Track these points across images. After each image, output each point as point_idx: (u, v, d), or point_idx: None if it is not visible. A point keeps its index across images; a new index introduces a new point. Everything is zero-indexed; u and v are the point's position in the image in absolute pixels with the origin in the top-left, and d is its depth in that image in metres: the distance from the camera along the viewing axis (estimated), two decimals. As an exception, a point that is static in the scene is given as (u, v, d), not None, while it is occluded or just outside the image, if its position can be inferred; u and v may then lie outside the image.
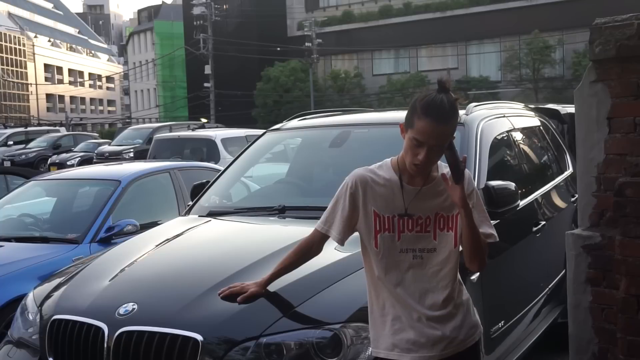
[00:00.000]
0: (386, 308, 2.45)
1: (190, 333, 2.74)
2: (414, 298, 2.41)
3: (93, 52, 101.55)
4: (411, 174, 2.38)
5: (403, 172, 2.40)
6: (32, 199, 6.64)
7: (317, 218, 2.60)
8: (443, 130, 2.26)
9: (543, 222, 4.48)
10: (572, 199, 5.02)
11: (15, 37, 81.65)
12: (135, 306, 2.92)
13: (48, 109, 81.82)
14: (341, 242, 2.51)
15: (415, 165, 2.32)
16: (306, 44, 44.26)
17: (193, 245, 3.76)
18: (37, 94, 75.22)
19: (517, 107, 5.43)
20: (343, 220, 2.47)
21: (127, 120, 66.93)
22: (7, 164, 23.92)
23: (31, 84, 78.00)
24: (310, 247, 2.65)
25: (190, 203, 4.55)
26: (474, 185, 2.47)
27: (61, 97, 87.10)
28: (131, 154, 20.04)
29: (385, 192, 2.41)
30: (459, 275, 2.53)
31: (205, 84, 46.78)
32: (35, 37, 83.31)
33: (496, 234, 2.50)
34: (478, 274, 3.40)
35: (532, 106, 5.98)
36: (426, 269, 2.42)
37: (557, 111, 6.43)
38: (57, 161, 23.11)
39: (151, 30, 73.34)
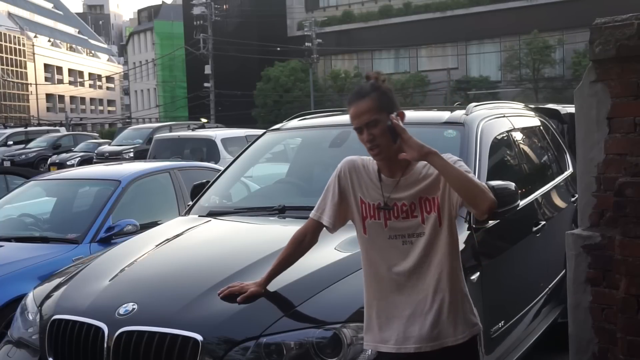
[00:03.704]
0: (377, 299, 2.47)
1: (190, 333, 2.74)
2: (405, 287, 2.42)
3: (93, 52, 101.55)
4: (388, 166, 2.43)
5: (381, 166, 2.46)
6: (32, 199, 6.64)
7: (317, 218, 2.63)
8: (359, 107, 2.39)
9: (543, 222, 4.48)
10: (572, 199, 5.02)
11: (15, 37, 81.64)
12: (135, 306, 2.92)
13: (48, 109, 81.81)
14: (332, 227, 2.58)
15: (371, 151, 2.41)
16: (306, 44, 44.27)
17: (193, 245, 3.76)
18: (37, 94, 75.18)
19: (517, 107, 5.43)
20: (333, 206, 2.54)
21: (127, 120, 66.91)
22: (7, 164, 23.91)
23: (31, 84, 77.98)
24: (305, 236, 2.69)
25: (190, 203, 4.55)
26: (455, 159, 2.41)
27: (61, 97, 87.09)
28: (131, 154, 20.03)
29: (369, 181, 2.49)
30: (462, 274, 2.52)
31: (205, 84, 46.76)
32: (35, 37, 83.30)
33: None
34: (478, 273, 3.40)
35: (532, 106, 5.98)
36: (417, 255, 2.42)
37: (557, 111, 6.43)
38: (57, 161, 23.10)
39: (151, 30, 73.34)
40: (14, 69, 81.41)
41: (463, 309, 2.47)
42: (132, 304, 2.94)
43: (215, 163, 10.10)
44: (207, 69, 46.55)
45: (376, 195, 2.46)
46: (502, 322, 3.75)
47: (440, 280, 2.42)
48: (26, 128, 34.39)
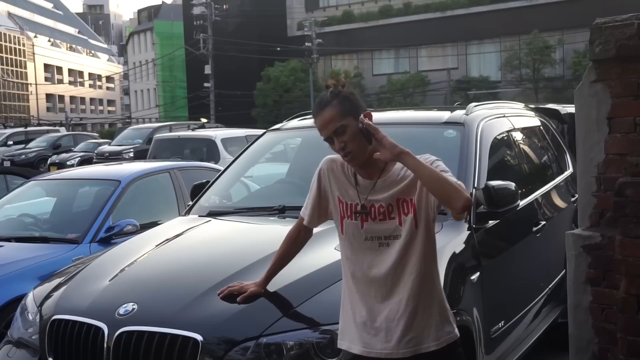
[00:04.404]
0: (352, 300, 2.46)
1: (190, 333, 2.74)
2: (380, 290, 2.40)
3: (93, 52, 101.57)
4: (365, 169, 2.43)
5: (358, 169, 2.46)
6: (32, 199, 6.64)
7: (317, 218, 2.64)
8: (323, 118, 2.38)
9: (543, 222, 4.48)
10: (572, 199, 5.02)
11: (15, 37, 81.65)
12: (135, 306, 2.92)
13: (48, 109, 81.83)
14: (310, 224, 2.64)
15: (345, 158, 2.41)
16: (306, 44, 44.26)
17: (193, 245, 3.76)
18: (37, 94, 75.22)
19: (517, 107, 5.43)
20: (312, 203, 2.59)
21: (127, 120, 66.91)
22: (7, 164, 23.91)
23: (31, 84, 78.02)
24: (298, 233, 2.73)
25: (190, 203, 4.55)
26: (433, 158, 2.38)
27: (61, 97, 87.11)
28: (131, 154, 20.03)
29: (347, 181, 2.49)
30: (439, 279, 2.49)
31: (205, 84, 46.76)
32: (35, 37, 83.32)
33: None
34: (478, 273, 3.40)
35: (532, 106, 5.98)
36: (393, 258, 2.39)
37: (557, 111, 6.42)
38: (57, 161, 23.09)
39: (151, 30, 73.34)
40: (14, 69, 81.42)
41: (438, 315, 2.43)
42: (132, 304, 2.94)
43: (215, 163, 10.10)
44: (207, 69, 46.55)
45: (354, 195, 2.45)
46: (502, 322, 3.75)
47: (415, 285, 2.38)
48: (26, 128, 34.39)
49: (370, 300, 2.42)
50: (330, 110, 2.37)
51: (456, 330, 2.49)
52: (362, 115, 2.36)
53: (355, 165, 2.43)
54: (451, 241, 3.34)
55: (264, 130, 5.24)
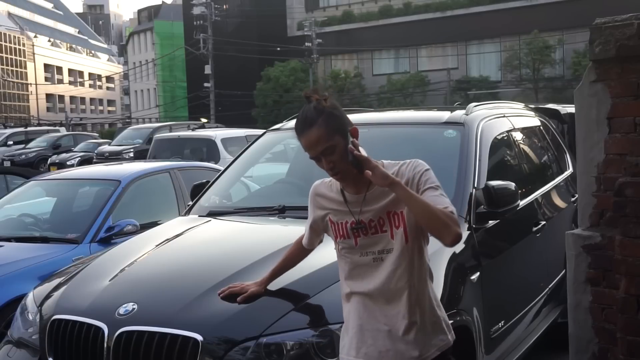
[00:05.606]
0: (352, 314, 2.45)
1: (190, 333, 2.74)
2: (376, 304, 2.39)
3: (93, 52, 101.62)
4: (353, 184, 2.38)
5: (346, 184, 2.41)
6: (32, 199, 6.64)
7: (317, 218, 2.63)
8: (310, 138, 2.30)
9: (543, 222, 4.48)
10: (572, 199, 5.02)
11: (15, 37, 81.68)
12: (135, 306, 2.92)
13: (48, 109, 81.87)
14: (307, 246, 2.68)
15: (335, 177, 2.37)
16: (306, 44, 44.28)
17: (193, 245, 3.76)
18: (37, 94, 75.24)
19: (517, 107, 5.43)
20: (309, 228, 2.62)
21: (127, 120, 66.92)
22: (7, 164, 23.92)
23: (31, 84, 78.04)
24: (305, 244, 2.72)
25: (190, 203, 4.55)
26: (419, 169, 2.35)
27: (61, 97, 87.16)
28: (131, 154, 20.04)
29: (335, 202, 2.45)
30: (431, 289, 2.46)
31: (205, 84, 46.78)
32: (35, 37, 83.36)
33: (452, 206, 2.32)
34: (478, 273, 3.40)
35: (532, 106, 5.98)
36: (387, 272, 2.37)
37: (557, 111, 6.42)
38: (57, 161, 23.12)
39: (151, 30, 73.38)
40: (14, 69, 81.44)
41: (433, 325, 2.41)
42: (132, 304, 2.94)
43: (215, 163, 10.10)
44: (207, 69, 46.56)
45: (344, 215, 2.41)
46: (502, 322, 3.76)
47: (410, 297, 2.36)
48: (26, 128, 34.40)
49: (367, 315, 2.40)
50: (316, 130, 2.28)
51: (449, 337, 2.47)
52: (350, 144, 2.27)
53: (345, 182, 2.39)
54: (451, 241, 3.33)
55: (264, 130, 5.24)
